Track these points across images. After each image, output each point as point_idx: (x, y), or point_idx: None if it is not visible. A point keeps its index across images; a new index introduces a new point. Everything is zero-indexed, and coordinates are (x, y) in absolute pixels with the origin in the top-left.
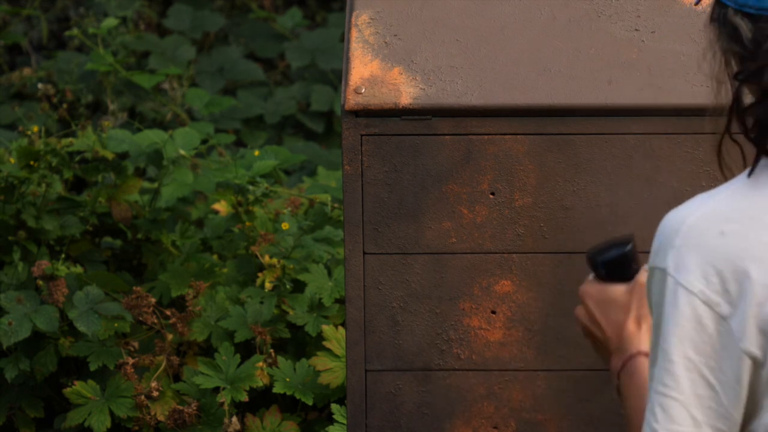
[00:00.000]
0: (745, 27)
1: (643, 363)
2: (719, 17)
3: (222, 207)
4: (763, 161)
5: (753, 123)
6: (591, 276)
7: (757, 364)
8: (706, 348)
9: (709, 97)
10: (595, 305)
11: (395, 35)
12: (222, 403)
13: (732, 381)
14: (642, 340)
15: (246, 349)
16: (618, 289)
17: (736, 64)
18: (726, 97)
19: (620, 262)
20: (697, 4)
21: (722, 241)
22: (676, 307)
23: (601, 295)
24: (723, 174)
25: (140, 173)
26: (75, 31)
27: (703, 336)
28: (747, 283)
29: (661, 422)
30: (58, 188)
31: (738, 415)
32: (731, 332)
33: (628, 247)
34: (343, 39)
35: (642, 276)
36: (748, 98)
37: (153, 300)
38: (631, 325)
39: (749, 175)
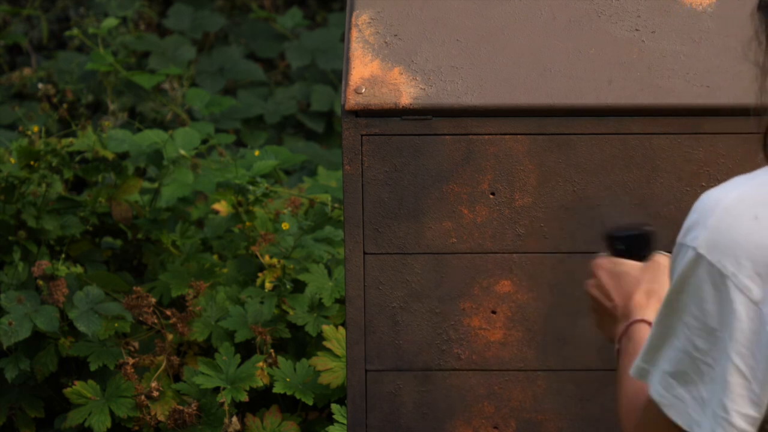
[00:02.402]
0: None
1: (644, 330)
2: (766, 6)
3: (222, 207)
4: None
5: None
6: (604, 253)
7: None
8: (737, 333)
9: (710, 99)
10: (607, 276)
11: (395, 35)
12: (222, 403)
13: (764, 368)
14: (648, 312)
15: (246, 349)
16: (632, 264)
17: None
18: None
19: (640, 240)
20: None
21: (755, 225)
22: (705, 290)
23: (615, 267)
24: None
25: (140, 173)
26: (75, 31)
27: (735, 320)
28: None
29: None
30: (59, 188)
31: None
32: (763, 318)
33: (650, 227)
34: (343, 39)
35: (659, 258)
36: None
37: (153, 300)
38: (640, 296)
39: None
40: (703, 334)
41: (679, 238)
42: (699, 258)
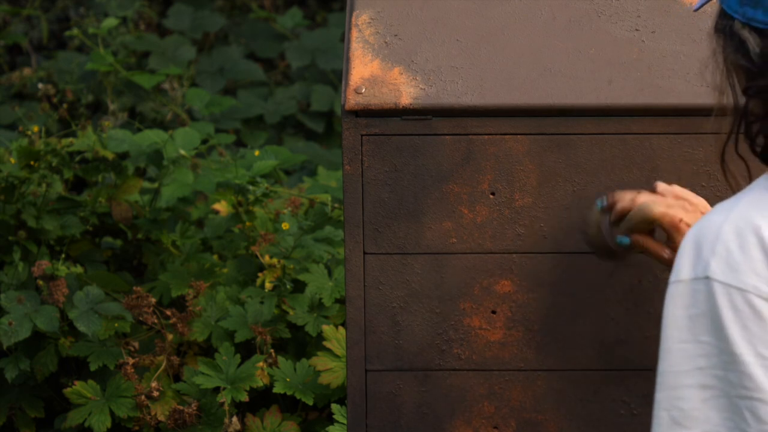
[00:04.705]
0: (752, 41)
1: None
2: (725, 29)
3: (222, 207)
4: None
5: (758, 136)
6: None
7: None
8: None
9: (710, 99)
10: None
11: (395, 35)
12: (222, 403)
13: None
14: None
15: (246, 349)
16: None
17: (742, 78)
18: (728, 105)
19: None
20: (696, 10)
21: (760, 237)
22: (736, 310)
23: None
24: (728, 182)
25: (140, 173)
26: (75, 31)
27: None
28: None
29: (753, 425)
30: (59, 188)
31: None
32: None
33: None
34: (343, 39)
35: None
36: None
37: (153, 300)
38: None
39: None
40: (730, 366)
41: (679, 276)
42: (716, 285)
